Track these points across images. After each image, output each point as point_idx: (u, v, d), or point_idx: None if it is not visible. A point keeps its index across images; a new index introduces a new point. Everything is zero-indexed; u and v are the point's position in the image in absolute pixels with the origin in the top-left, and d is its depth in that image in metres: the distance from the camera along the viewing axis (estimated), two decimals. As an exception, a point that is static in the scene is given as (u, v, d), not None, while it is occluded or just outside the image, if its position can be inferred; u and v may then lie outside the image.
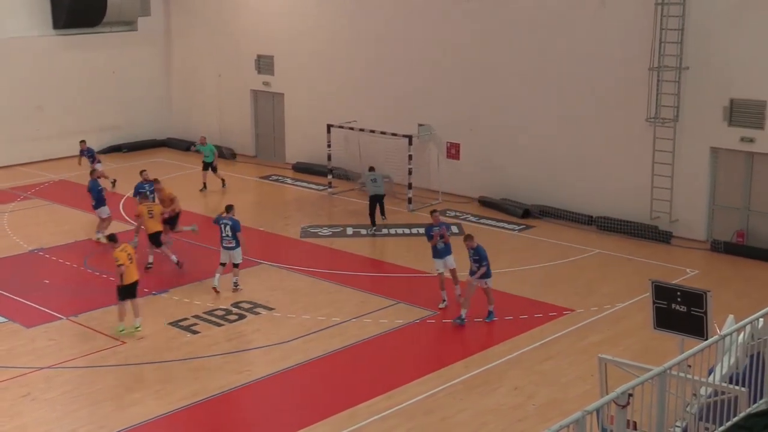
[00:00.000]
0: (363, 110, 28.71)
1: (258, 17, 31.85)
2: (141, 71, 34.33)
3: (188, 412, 14.54)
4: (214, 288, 19.28)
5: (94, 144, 31.73)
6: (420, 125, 27.17)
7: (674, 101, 22.57)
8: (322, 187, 28.45)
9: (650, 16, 22.43)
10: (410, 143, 26.05)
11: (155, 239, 20.81)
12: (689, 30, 22.22)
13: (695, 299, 12.34)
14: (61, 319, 18.18)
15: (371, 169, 24.96)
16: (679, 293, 12.59)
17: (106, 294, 18.54)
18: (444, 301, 18.68)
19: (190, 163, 30.58)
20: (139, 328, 17.39)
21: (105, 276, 20.18)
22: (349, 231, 24.16)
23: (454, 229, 23.68)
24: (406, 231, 24.00)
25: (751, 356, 10.84)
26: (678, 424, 10.45)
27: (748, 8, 21.52)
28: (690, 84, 22.42)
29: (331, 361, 16.36)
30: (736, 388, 10.13)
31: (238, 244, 19.36)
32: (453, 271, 18.79)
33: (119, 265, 17.12)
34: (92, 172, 23.94)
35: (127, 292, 17.41)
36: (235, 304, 18.89)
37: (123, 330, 17.28)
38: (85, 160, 28.16)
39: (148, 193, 22.15)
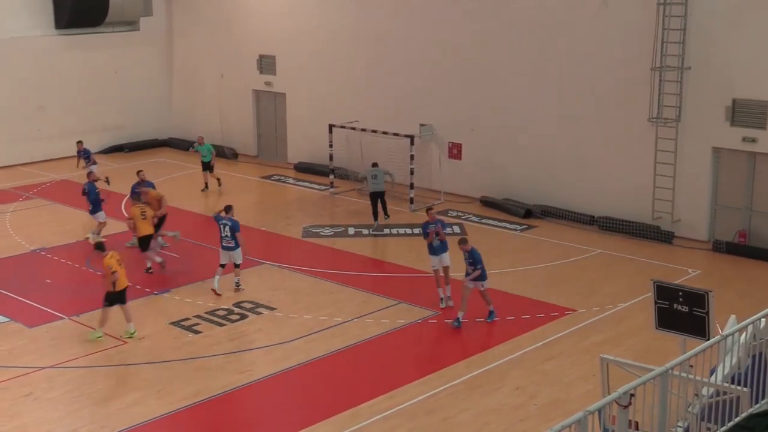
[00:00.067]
0: (364, 110, 28.71)
1: (259, 17, 31.86)
2: (143, 71, 34.36)
3: (190, 412, 14.55)
4: (214, 291, 19.26)
5: (96, 144, 31.84)
6: (422, 125, 27.16)
7: (676, 101, 22.56)
8: (323, 187, 28.45)
9: (652, 15, 22.43)
10: (412, 143, 26.06)
11: (145, 242, 20.73)
12: (691, 30, 22.21)
13: (697, 299, 12.33)
14: (62, 318, 18.19)
15: (374, 165, 25.02)
16: (681, 293, 12.58)
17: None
18: (442, 299, 18.70)
19: (191, 163, 30.57)
20: (134, 333, 17.31)
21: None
22: (351, 231, 24.16)
23: (456, 228, 23.70)
24: (408, 231, 24.00)
25: (753, 356, 10.83)
26: (680, 424, 10.45)
27: (750, 8, 21.51)
28: (692, 84, 22.41)
29: (333, 361, 16.36)
30: (738, 388, 10.13)
31: (237, 245, 19.35)
32: (446, 269, 18.77)
33: (113, 273, 16.95)
34: (89, 174, 23.88)
35: (118, 298, 17.22)
36: (237, 304, 18.89)
37: (100, 336, 17.00)
38: (83, 162, 28.12)
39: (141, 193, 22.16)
